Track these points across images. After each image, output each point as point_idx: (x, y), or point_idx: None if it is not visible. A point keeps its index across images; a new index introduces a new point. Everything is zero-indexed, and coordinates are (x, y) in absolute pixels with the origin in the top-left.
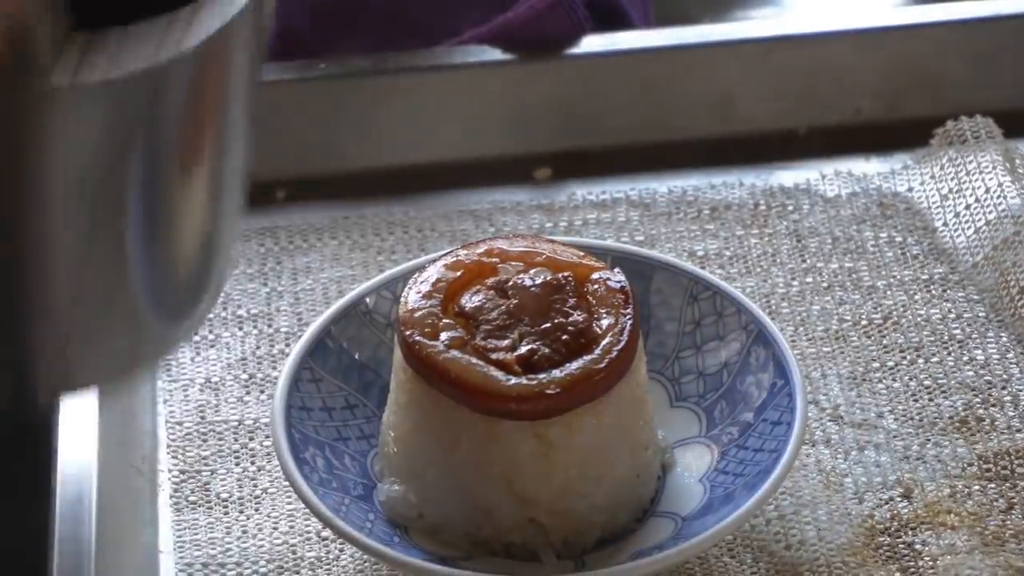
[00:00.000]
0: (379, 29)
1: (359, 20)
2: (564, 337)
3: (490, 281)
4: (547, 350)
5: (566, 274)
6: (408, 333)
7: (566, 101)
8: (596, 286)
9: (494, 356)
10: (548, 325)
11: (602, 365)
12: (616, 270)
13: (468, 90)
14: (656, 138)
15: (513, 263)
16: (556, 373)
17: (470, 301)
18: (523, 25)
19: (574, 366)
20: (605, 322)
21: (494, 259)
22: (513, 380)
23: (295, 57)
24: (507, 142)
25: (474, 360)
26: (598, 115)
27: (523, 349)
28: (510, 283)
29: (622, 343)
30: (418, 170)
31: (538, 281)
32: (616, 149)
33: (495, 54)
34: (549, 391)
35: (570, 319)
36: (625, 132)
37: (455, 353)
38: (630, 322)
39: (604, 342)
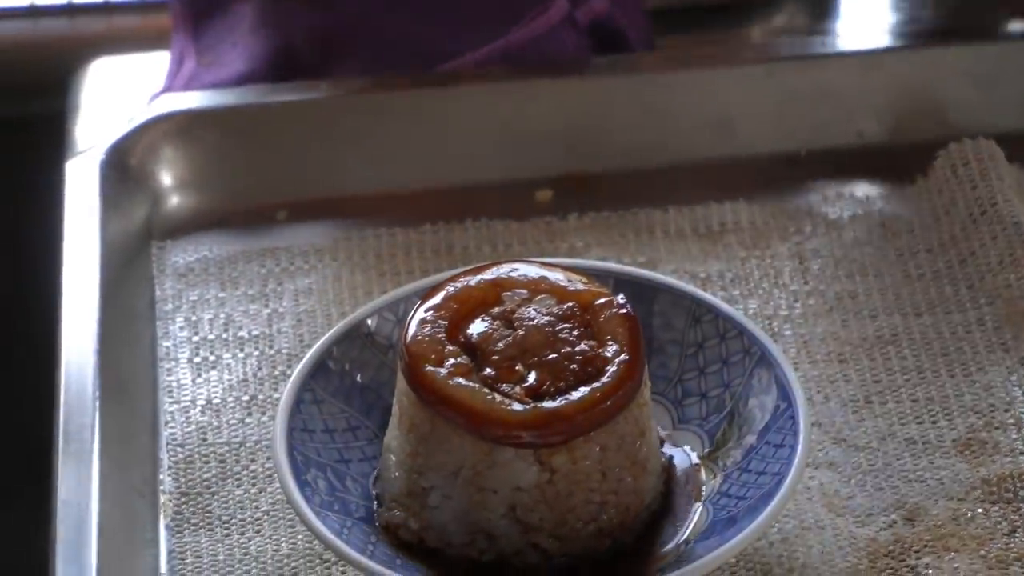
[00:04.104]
0: (379, 50)
1: (359, 41)
2: (571, 366)
3: (495, 311)
4: (555, 381)
5: (571, 304)
6: (412, 360)
7: (567, 123)
8: (602, 314)
9: (502, 388)
10: (555, 356)
11: (608, 394)
12: (620, 296)
13: (469, 112)
14: (657, 160)
15: (518, 291)
16: (562, 402)
17: (476, 331)
18: (524, 47)
19: (580, 394)
20: (611, 350)
21: (499, 287)
22: (518, 407)
23: (294, 78)
24: (508, 164)
25: (479, 388)
26: (599, 137)
27: (531, 381)
28: (516, 314)
29: (628, 372)
30: (418, 191)
31: (544, 312)
32: (617, 171)
33: (496, 76)
34: (554, 420)
35: (576, 348)
36: (626, 154)
37: (460, 380)
38: (636, 351)
39: (610, 370)
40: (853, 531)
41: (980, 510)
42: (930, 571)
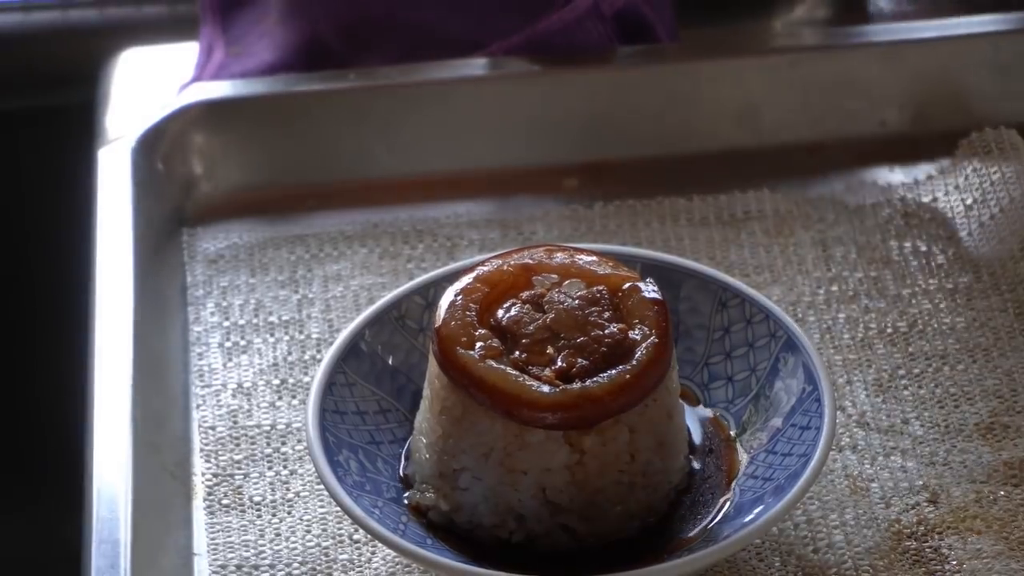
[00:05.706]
0: (407, 41)
1: (387, 32)
2: (601, 350)
3: (525, 295)
4: (584, 362)
5: (600, 288)
6: (444, 343)
7: (593, 112)
8: (630, 297)
9: (532, 370)
10: (584, 339)
11: (637, 376)
12: (649, 280)
13: (496, 100)
14: (682, 149)
15: (547, 275)
16: (591, 384)
17: (506, 315)
18: (550, 37)
19: (609, 377)
20: (640, 333)
21: (529, 271)
22: (548, 389)
23: (322, 68)
24: (535, 152)
25: (510, 370)
26: (625, 126)
27: (560, 363)
28: (545, 298)
29: (657, 355)
30: (447, 179)
31: (573, 295)
32: (642, 160)
33: (523, 66)
34: (584, 402)
35: (606, 331)
36: (651, 143)
37: (491, 363)
38: (665, 334)
39: (639, 353)
40: (877, 513)
41: (1003, 493)
42: (953, 552)
